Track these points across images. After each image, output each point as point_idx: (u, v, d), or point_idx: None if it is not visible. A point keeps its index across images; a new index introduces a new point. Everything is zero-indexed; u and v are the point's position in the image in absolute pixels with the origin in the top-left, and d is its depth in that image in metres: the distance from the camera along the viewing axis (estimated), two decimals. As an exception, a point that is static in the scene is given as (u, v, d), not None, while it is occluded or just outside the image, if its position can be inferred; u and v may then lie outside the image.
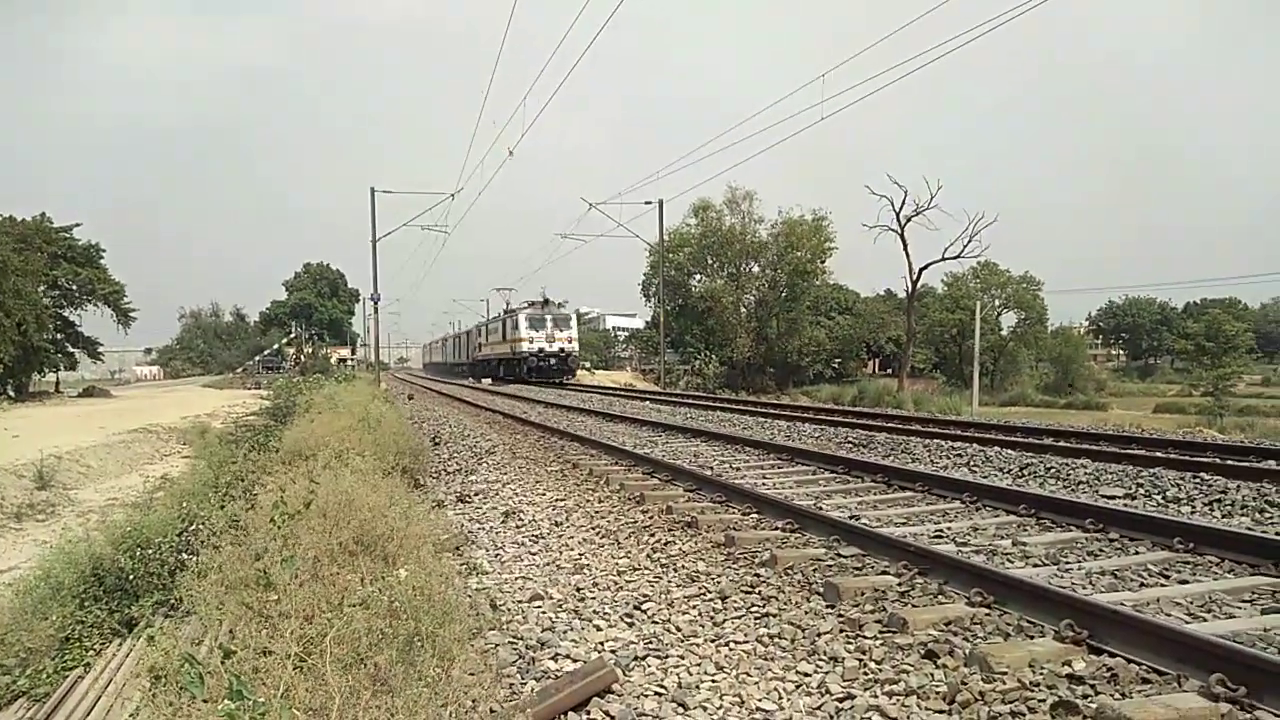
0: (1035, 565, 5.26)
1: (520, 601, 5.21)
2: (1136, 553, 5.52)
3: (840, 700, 3.50)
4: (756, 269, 56.25)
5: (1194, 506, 7.10)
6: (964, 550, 5.62)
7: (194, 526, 6.63)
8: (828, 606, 4.63)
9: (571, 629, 4.64)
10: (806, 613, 4.57)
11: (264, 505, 5.53)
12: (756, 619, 4.57)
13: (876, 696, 3.49)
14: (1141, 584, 4.82)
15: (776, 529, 6.43)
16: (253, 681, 2.65)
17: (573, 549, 6.54)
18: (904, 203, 46.10)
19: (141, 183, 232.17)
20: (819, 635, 4.21)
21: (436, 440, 14.69)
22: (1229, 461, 8.89)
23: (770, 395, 44.44)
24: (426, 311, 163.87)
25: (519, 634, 4.58)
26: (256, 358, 70.57)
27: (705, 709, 3.54)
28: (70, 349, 43.78)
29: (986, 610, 4.32)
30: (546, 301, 41.05)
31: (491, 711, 3.39)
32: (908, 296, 51.97)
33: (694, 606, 4.88)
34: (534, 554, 6.50)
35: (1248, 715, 3.11)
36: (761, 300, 56.24)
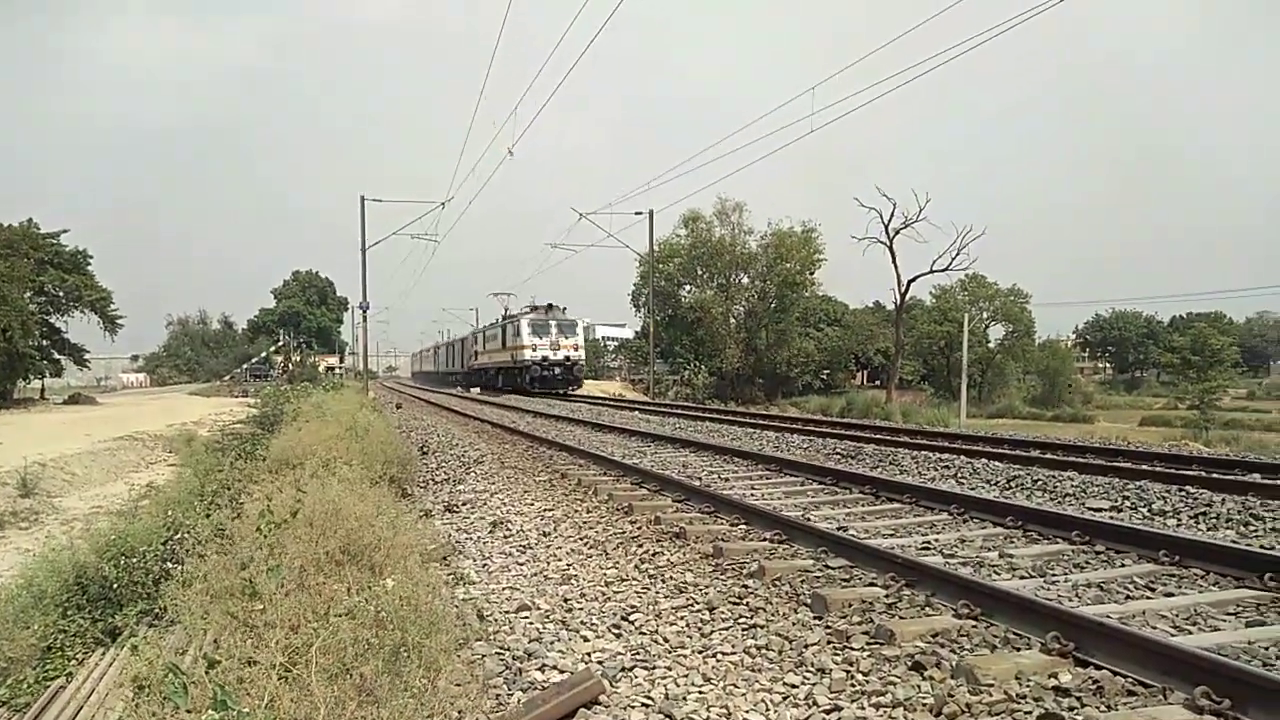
0: (1022, 577, 5.27)
1: (507, 612, 5.19)
2: (1123, 565, 5.55)
3: (827, 712, 3.50)
4: (746, 280, 56.40)
5: (1180, 519, 7.14)
6: (951, 562, 5.63)
7: (179, 535, 6.58)
8: (815, 618, 4.63)
9: (559, 640, 4.62)
10: (794, 624, 4.57)
11: (250, 514, 5.49)
12: (744, 630, 4.56)
13: (864, 708, 3.49)
14: (1127, 596, 4.84)
15: (765, 540, 6.43)
16: (237, 691, 2.63)
17: (561, 559, 6.52)
18: (893, 215, 46.50)
19: (141, 183, 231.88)
20: (806, 647, 4.20)
21: (424, 449, 14.63)
22: (1214, 474, 8.94)
23: (759, 406, 44.40)
24: (416, 320, 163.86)
25: (506, 644, 4.56)
26: (244, 365, 70.32)
27: (692, 720, 3.54)
28: (56, 356, 43.60)
29: (973, 622, 4.33)
30: (550, 306, 38.10)
31: (478, 723, 3.38)
32: (896, 308, 52.17)
33: (682, 617, 4.87)
34: (521, 564, 6.47)
35: (1232, 728, 3.12)
36: (751, 311, 56.35)
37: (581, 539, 7.16)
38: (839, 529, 6.62)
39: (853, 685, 3.72)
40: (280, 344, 76.71)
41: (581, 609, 5.18)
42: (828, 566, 5.58)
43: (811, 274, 54.60)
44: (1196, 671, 3.35)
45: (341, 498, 5.33)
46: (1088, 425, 41.78)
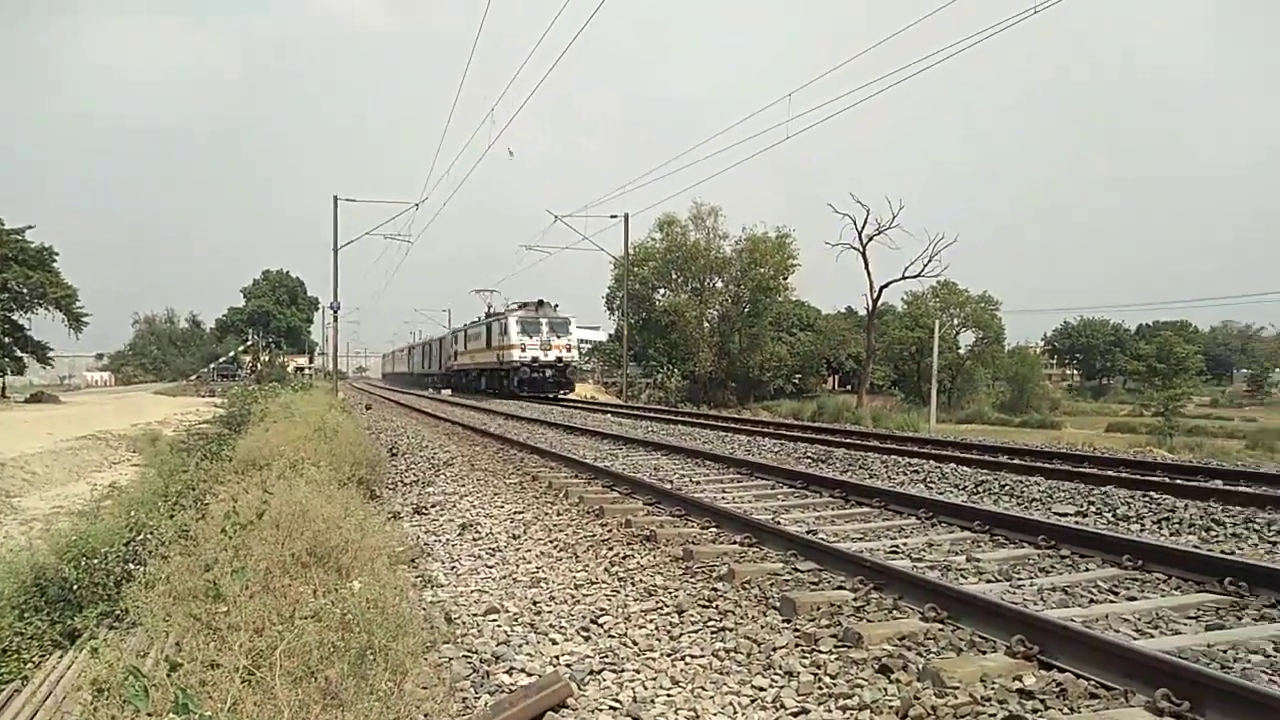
0: (988, 581, 5.33)
1: (476, 615, 5.16)
2: (1087, 569, 5.62)
3: (795, 715, 3.51)
4: (720, 284, 56.66)
5: (1143, 524, 7.25)
6: (919, 566, 5.67)
7: (142, 536, 6.47)
8: (784, 621, 4.65)
9: (527, 643, 4.60)
10: (763, 627, 4.58)
11: (215, 515, 5.42)
12: (713, 633, 4.56)
13: (831, 711, 3.51)
14: (1091, 600, 4.91)
15: (735, 543, 6.45)
16: (200, 695, 2.59)
17: (530, 562, 6.50)
18: (866, 222, 46.92)
19: (140, 183, 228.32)
20: (775, 650, 4.21)
21: (394, 451, 14.51)
22: (1177, 481, 9.08)
23: (731, 410, 44.58)
24: (387, 320, 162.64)
25: (474, 647, 4.53)
26: (211, 365, 69.38)
27: (660, 723, 3.53)
28: (18, 353, 42.75)
29: (940, 625, 4.36)
30: (541, 303, 35.16)
31: (444, 726, 3.35)
32: (868, 314, 52.65)
33: (651, 620, 4.86)
34: (491, 567, 6.44)
35: (1191, 729, 3.17)
36: (724, 315, 56.59)
37: (551, 542, 7.13)
38: (809, 532, 6.65)
39: (820, 688, 3.73)
40: (249, 343, 75.83)
41: (550, 612, 5.17)
42: (797, 569, 5.60)
43: (785, 279, 55.07)
44: (1158, 674, 3.39)
45: (309, 499, 5.27)
46: (1055, 431, 42.34)
